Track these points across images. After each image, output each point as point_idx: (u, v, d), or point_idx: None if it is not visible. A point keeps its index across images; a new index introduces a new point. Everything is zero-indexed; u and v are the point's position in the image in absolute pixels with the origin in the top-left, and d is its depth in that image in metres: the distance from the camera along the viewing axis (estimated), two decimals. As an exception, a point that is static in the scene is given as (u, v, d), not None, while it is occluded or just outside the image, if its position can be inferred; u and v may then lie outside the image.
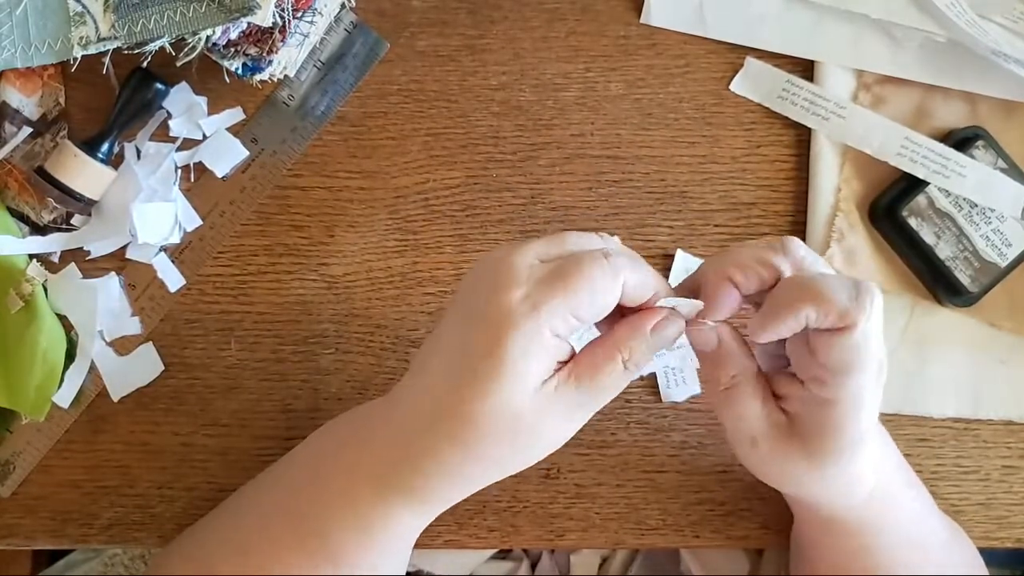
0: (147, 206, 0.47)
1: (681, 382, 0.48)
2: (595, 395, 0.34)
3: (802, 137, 0.49)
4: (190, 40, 0.43)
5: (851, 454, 0.35)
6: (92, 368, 0.48)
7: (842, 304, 0.32)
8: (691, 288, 0.37)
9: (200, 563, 0.40)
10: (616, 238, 0.37)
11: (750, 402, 0.36)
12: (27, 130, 0.48)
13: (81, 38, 0.44)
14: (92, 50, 0.44)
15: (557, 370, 0.34)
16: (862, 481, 0.37)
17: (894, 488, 0.40)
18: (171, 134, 0.48)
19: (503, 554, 0.64)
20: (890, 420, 0.48)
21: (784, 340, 0.36)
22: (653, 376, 0.48)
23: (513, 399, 0.33)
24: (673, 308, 0.35)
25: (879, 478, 0.38)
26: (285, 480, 0.41)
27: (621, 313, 0.36)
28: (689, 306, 0.35)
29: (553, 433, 0.35)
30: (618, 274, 0.33)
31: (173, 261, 0.48)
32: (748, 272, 0.34)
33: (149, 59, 0.44)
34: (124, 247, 0.48)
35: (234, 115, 0.49)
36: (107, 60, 0.45)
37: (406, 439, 0.35)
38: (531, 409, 0.33)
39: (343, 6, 0.48)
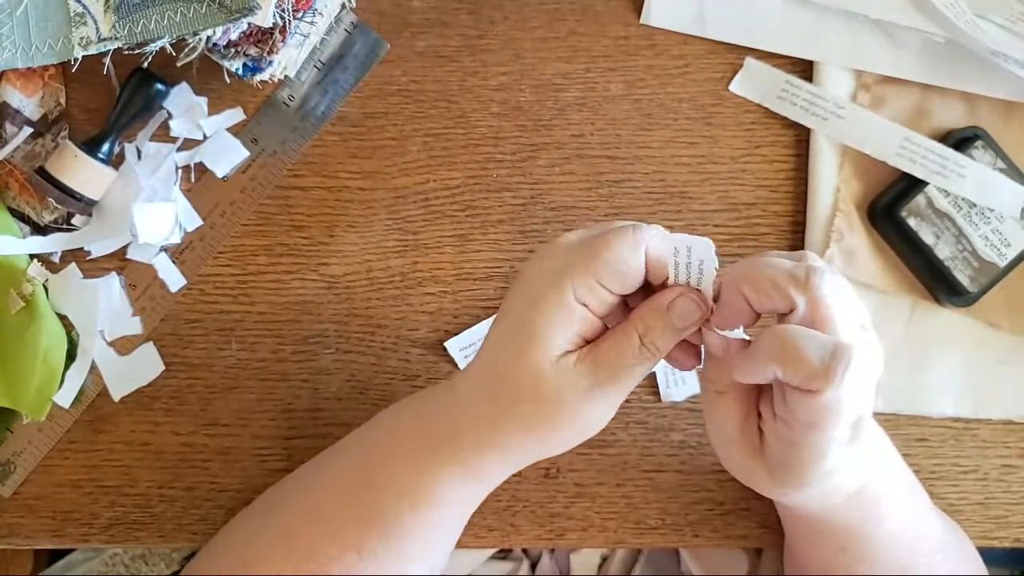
0: (148, 206, 0.47)
1: (680, 382, 0.48)
2: (613, 376, 0.35)
3: (801, 137, 0.49)
4: (191, 40, 0.43)
5: (814, 487, 0.35)
6: (93, 368, 0.48)
7: (810, 370, 0.31)
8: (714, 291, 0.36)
9: (240, 555, 0.40)
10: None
11: (733, 414, 0.36)
12: (28, 130, 0.48)
13: (82, 38, 0.44)
14: (93, 50, 0.44)
15: (582, 347, 0.35)
16: (832, 496, 0.37)
17: (879, 491, 0.39)
18: (171, 134, 0.48)
19: (503, 554, 0.64)
20: (889, 420, 0.48)
21: None
22: (653, 376, 0.48)
23: (538, 364, 0.34)
24: (688, 285, 0.35)
25: (862, 481, 0.37)
26: (337, 464, 0.41)
27: None
28: (702, 245, 0.34)
29: (576, 410, 0.35)
30: (640, 242, 0.34)
31: (174, 261, 0.48)
32: (762, 296, 0.34)
33: (150, 59, 0.44)
34: (125, 247, 0.48)
35: (234, 115, 0.49)
36: (108, 60, 0.45)
37: (460, 408, 0.37)
38: (553, 378, 0.34)
39: (343, 6, 0.48)
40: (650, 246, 0.34)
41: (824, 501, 0.37)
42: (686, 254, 0.34)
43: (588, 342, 0.35)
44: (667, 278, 0.35)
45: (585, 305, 0.34)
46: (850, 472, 0.36)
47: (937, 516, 0.43)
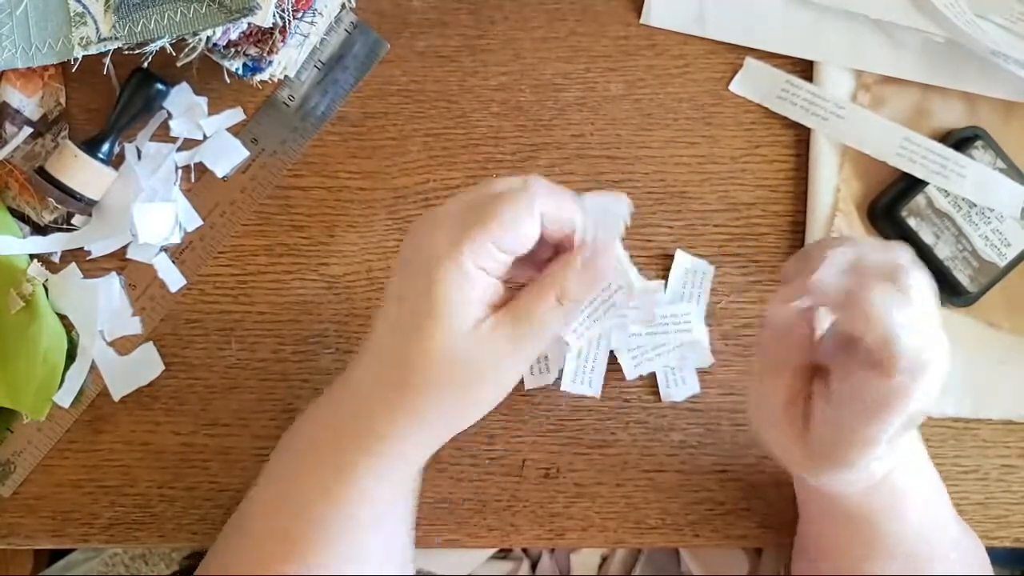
0: (148, 206, 0.47)
1: (680, 382, 0.48)
2: (533, 331, 0.35)
3: (801, 137, 0.49)
4: (190, 40, 0.43)
5: (850, 473, 0.36)
6: (93, 368, 0.48)
7: (903, 355, 0.32)
8: (799, 260, 0.36)
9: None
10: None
11: (781, 394, 0.37)
12: (28, 130, 0.48)
13: (82, 38, 0.44)
14: (93, 50, 0.44)
15: (494, 313, 0.35)
16: (865, 480, 0.37)
17: (906, 482, 0.39)
18: (171, 134, 0.48)
19: (503, 554, 0.64)
20: (889, 420, 0.48)
21: (841, 342, 0.36)
22: (653, 376, 0.48)
23: (451, 340, 0.34)
24: (589, 239, 0.35)
25: (891, 467, 0.38)
26: (273, 475, 0.41)
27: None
28: (616, 202, 0.35)
29: (497, 374, 0.35)
30: (533, 200, 0.34)
31: (174, 261, 0.48)
32: (843, 303, 0.34)
33: (150, 59, 0.44)
34: (125, 247, 0.48)
35: (234, 115, 0.49)
36: (108, 60, 0.45)
37: (360, 398, 0.36)
38: (470, 349, 0.34)
39: (343, 6, 0.48)
40: (545, 208, 0.34)
41: (853, 486, 0.37)
42: (589, 217, 0.35)
43: (496, 307, 0.35)
44: (568, 233, 0.35)
45: (484, 270, 0.34)
46: (885, 461, 0.36)
47: (956, 518, 0.44)
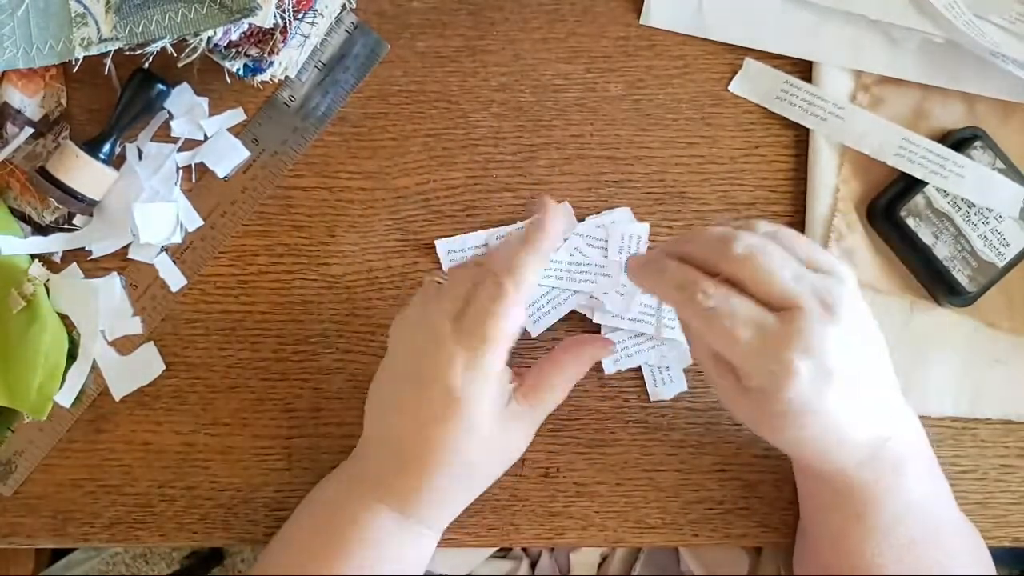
0: (149, 206, 0.47)
1: (668, 380, 0.48)
2: (547, 408, 0.42)
3: (800, 138, 0.49)
4: (191, 41, 0.43)
5: (787, 421, 0.35)
6: (94, 367, 0.48)
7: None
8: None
9: None
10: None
11: (709, 357, 0.38)
12: (29, 130, 0.48)
13: (83, 39, 0.45)
14: (94, 51, 0.44)
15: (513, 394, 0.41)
16: (844, 447, 0.37)
17: (897, 456, 0.39)
18: (172, 135, 0.48)
19: (503, 553, 0.65)
20: (888, 419, 0.48)
21: None
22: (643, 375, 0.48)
23: (479, 443, 0.39)
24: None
25: (873, 437, 0.38)
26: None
27: None
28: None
29: (515, 453, 0.42)
30: (518, 302, 0.38)
31: (175, 261, 0.48)
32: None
33: (151, 60, 0.44)
34: (126, 247, 0.48)
35: (235, 116, 0.49)
36: (109, 61, 0.45)
37: (398, 466, 0.40)
38: (497, 438, 0.40)
39: (344, 7, 0.48)
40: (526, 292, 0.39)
41: (837, 454, 0.38)
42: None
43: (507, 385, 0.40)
44: None
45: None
46: (846, 418, 0.36)
47: (959, 511, 0.43)
